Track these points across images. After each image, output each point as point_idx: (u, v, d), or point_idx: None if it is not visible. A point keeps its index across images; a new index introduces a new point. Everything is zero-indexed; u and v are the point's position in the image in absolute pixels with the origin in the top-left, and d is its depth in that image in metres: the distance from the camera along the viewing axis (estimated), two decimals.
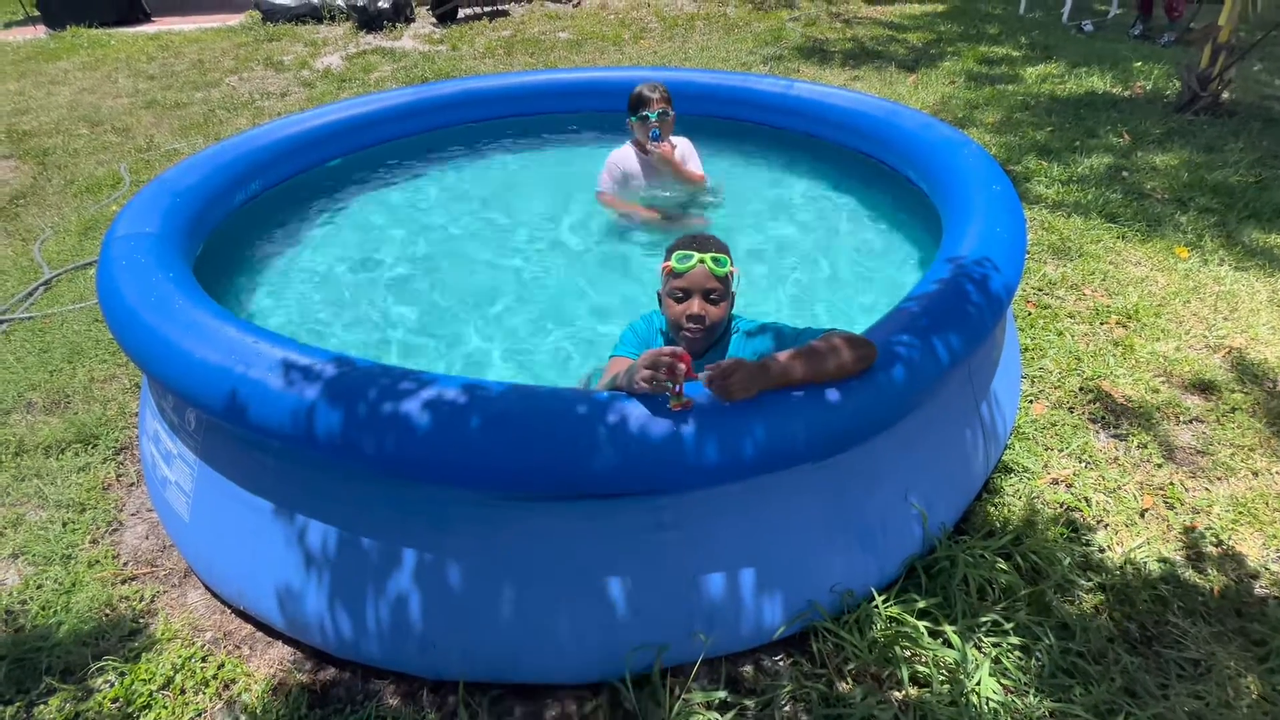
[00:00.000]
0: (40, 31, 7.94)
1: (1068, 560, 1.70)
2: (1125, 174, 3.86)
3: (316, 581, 1.50)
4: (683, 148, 3.02)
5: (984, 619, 1.56)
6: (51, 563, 1.87)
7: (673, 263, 1.66)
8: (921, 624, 1.53)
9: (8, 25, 8.79)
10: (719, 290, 1.66)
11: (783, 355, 1.39)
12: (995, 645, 1.53)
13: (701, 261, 1.63)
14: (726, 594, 1.47)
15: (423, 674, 1.54)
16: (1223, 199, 3.54)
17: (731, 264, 1.69)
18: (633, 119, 2.91)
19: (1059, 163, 4.04)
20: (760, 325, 1.76)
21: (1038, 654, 1.52)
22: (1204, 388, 2.35)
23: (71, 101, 5.80)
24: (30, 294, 3.08)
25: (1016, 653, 1.52)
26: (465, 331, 2.50)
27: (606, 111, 3.51)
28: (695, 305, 1.64)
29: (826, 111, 3.13)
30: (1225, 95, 4.61)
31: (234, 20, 8.21)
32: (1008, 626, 1.55)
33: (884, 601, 1.57)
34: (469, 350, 2.42)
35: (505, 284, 2.70)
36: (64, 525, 1.98)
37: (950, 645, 1.51)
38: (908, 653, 1.51)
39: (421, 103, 3.35)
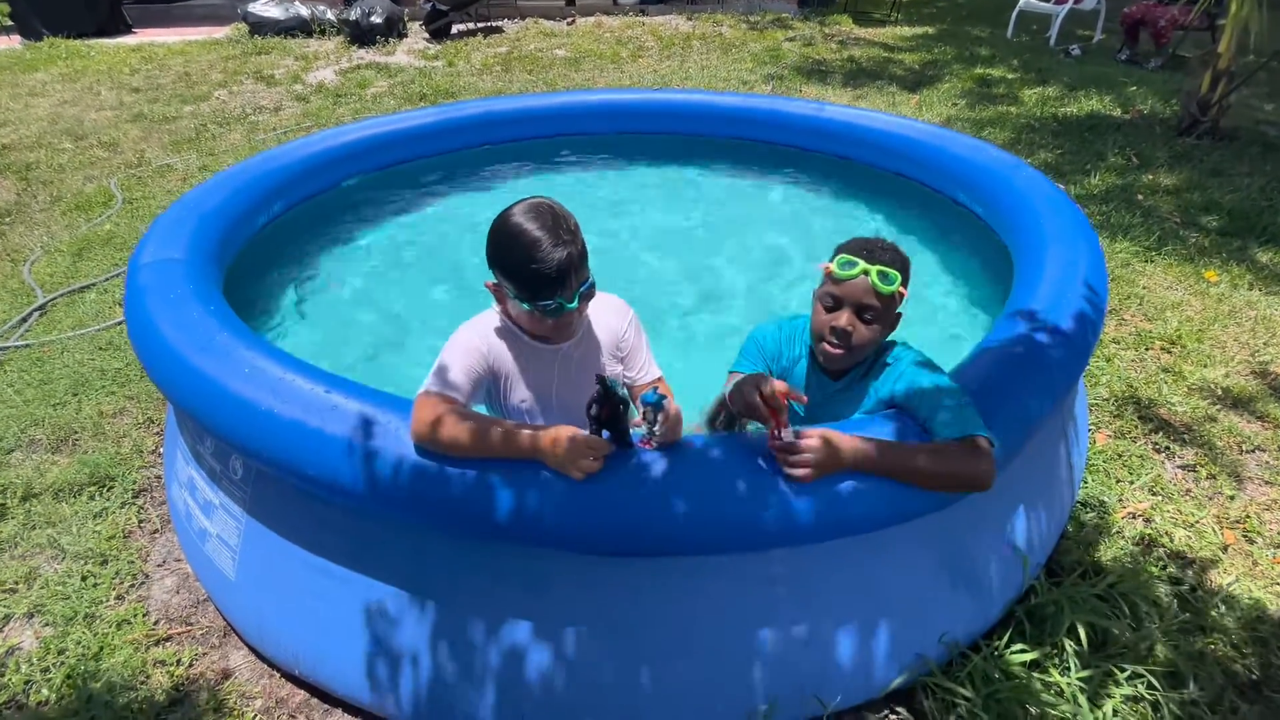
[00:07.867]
0: (15, 42, 7.65)
1: (1174, 605, 1.64)
2: (1140, 196, 3.89)
3: (391, 647, 1.37)
4: (614, 335, 1.53)
5: (1098, 669, 1.48)
6: (73, 623, 1.70)
7: (834, 266, 1.41)
8: (1035, 676, 1.45)
9: None
10: (876, 310, 1.39)
11: (880, 451, 1.26)
12: (1109, 697, 1.46)
13: (865, 272, 1.37)
14: (836, 648, 1.38)
15: None
16: (1237, 222, 3.58)
17: (903, 284, 1.41)
18: (525, 307, 1.33)
19: (1074, 185, 4.07)
20: (920, 364, 1.46)
21: (1157, 706, 1.45)
22: (1259, 415, 2.33)
23: (52, 114, 5.56)
24: (25, 320, 2.89)
25: (1136, 705, 1.45)
26: None
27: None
28: (844, 319, 1.39)
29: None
30: (1223, 121, 4.71)
31: (219, 33, 8.00)
32: (1121, 677, 1.48)
33: (993, 653, 1.49)
34: None
35: None
36: (83, 579, 1.81)
37: (1063, 695, 1.43)
38: (1026, 709, 1.43)
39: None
